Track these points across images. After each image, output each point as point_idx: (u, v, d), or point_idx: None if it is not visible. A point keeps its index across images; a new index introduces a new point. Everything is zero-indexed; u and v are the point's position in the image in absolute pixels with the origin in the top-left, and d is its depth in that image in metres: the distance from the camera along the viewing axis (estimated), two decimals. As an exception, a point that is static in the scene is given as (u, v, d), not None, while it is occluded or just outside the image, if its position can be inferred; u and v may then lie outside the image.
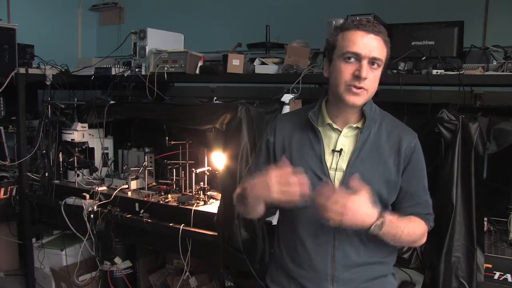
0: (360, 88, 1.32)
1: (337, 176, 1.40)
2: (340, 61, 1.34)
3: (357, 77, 1.31)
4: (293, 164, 1.43)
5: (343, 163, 1.40)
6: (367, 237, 1.38)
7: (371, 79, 1.33)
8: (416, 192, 1.45)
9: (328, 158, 1.41)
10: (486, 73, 2.09)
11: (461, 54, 2.19)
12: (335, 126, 1.43)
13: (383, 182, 1.39)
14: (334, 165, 1.41)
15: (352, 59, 1.32)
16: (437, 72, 2.08)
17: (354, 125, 1.42)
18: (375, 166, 1.39)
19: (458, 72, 2.04)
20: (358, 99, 1.34)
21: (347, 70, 1.32)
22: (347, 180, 1.37)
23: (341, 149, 1.41)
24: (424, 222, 1.44)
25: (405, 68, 2.21)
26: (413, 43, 2.20)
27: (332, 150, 1.42)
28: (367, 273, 1.43)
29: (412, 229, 1.39)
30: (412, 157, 1.42)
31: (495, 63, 2.16)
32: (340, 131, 1.43)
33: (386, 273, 1.50)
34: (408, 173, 1.42)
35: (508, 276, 1.89)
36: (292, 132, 1.48)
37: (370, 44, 1.31)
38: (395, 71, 2.21)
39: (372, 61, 1.32)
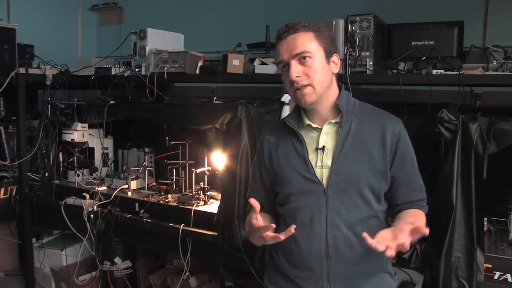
0: (300, 88, 1.38)
1: (324, 174, 1.42)
2: (281, 73, 1.45)
3: (292, 81, 1.38)
4: (280, 169, 1.49)
5: (328, 160, 1.42)
6: (361, 231, 1.39)
7: (308, 72, 1.38)
8: (411, 177, 1.47)
9: (312, 157, 1.44)
10: (486, 73, 2.09)
11: (461, 54, 2.20)
12: (314, 125, 1.47)
13: (370, 173, 1.41)
14: (319, 163, 1.43)
15: (285, 67, 1.41)
16: (437, 72, 2.08)
17: (333, 121, 1.45)
18: (360, 158, 1.41)
19: (458, 72, 2.04)
20: (307, 97, 1.40)
21: (285, 78, 1.42)
22: (333, 176, 1.40)
23: (324, 146, 1.43)
24: (422, 211, 1.47)
25: (405, 68, 2.21)
26: (413, 43, 2.21)
27: (316, 148, 1.44)
28: (363, 270, 1.43)
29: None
30: (399, 143, 1.43)
31: (495, 63, 2.16)
32: (321, 129, 1.46)
33: (382, 270, 1.50)
34: (398, 160, 1.43)
35: (508, 276, 1.89)
36: (277, 139, 1.53)
37: (289, 45, 1.39)
38: (395, 71, 2.21)
39: (299, 57, 1.37)
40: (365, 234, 1.22)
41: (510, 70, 2.06)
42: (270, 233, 1.31)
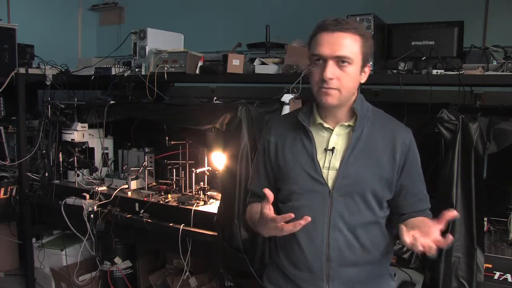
0: (329, 88, 1.33)
1: (330, 175, 1.41)
2: (312, 64, 1.38)
3: (323, 79, 1.33)
4: (287, 165, 1.46)
5: (336, 162, 1.41)
6: (362, 235, 1.39)
7: (342, 77, 1.33)
8: (417, 187, 1.46)
9: (320, 157, 1.43)
10: (486, 73, 2.09)
11: (461, 54, 2.20)
12: (326, 125, 1.45)
13: (377, 179, 1.40)
14: (327, 164, 1.42)
15: (320, 61, 1.34)
16: (437, 72, 2.08)
17: (346, 124, 1.44)
18: (369, 163, 1.40)
19: (458, 72, 2.04)
20: (330, 98, 1.35)
21: (316, 72, 1.36)
22: (340, 179, 1.39)
23: (333, 148, 1.42)
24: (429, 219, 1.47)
25: (405, 68, 2.21)
26: (413, 43, 2.21)
27: (325, 149, 1.43)
28: (363, 272, 1.43)
29: None
30: (409, 154, 1.43)
31: (495, 63, 2.16)
32: (332, 130, 1.44)
33: (382, 273, 1.50)
34: (407, 170, 1.43)
35: (508, 276, 1.89)
36: (285, 134, 1.50)
37: (334, 43, 1.32)
38: (395, 71, 2.21)
39: (339, 59, 1.32)
40: (402, 226, 1.19)
41: (510, 70, 2.06)
42: (284, 224, 1.26)
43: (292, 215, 1.25)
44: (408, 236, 1.17)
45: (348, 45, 1.32)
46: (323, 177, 1.40)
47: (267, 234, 1.39)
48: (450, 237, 1.17)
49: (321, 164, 1.42)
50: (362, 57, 1.36)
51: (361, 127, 1.42)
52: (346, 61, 1.32)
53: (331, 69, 1.32)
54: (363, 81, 1.42)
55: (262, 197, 1.53)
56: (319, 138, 1.45)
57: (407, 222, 1.39)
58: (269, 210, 1.30)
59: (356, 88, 1.41)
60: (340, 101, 1.37)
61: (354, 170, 1.39)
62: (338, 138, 1.43)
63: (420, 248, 1.16)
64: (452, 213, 1.20)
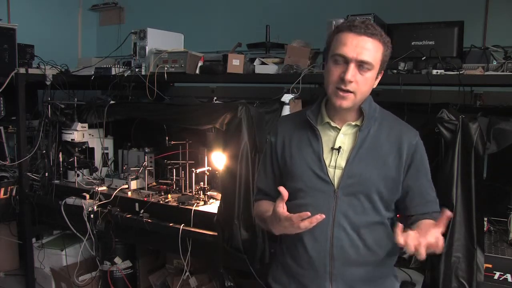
0: (346, 91, 1.33)
1: (336, 174, 1.41)
2: (330, 62, 1.37)
3: (342, 79, 1.32)
4: (293, 163, 1.46)
5: (342, 161, 1.41)
6: (366, 234, 1.39)
7: (360, 82, 1.33)
8: (425, 189, 1.46)
9: (327, 156, 1.43)
10: (486, 73, 2.09)
11: (461, 54, 2.20)
12: (333, 124, 1.45)
13: (382, 180, 1.40)
14: (333, 163, 1.42)
15: (341, 61, 1.33)
16: (437, 72, 2.08)
17: (353, 123, 1.44)
18: (374, 164, 1.40)
19: (458, 72, 2.04)
20: (345, 102, 1.35)
21: (335, 72, 1.34)
22: (345, 178, 1.39)
23: (340, 147, 1.42)
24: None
25: (405, 68, 2.21)
26: (413, 43, 2.21)
27: (331, 148, 1.43)
28: (366, 273, 1.43)
29: None
30: (415, 155, 1.43)
31: (495, 63, 2.16)
32: (339, 129, 1.44)
33: (386, 274, 1.50)
34: (413, 171, 1.43)
35: (508, 276, 1.89)
36: (292, 132, 1.50)
37: (360, 46, 1.31)
38: (395, 71, 2.21)
39: (361, 64, 1.32)
40: (399, 228, 1.18)
41: (510, 70, 2.06)
42: (300, 221, 1.26)
43: (308, 213, 1.24)
44: (401, 237, 1.17)
45: (372, 50, 1.33)
46: (328, 176, 1.40)
47: (278, 232, 1.39)
48: (441, 242, 1.18)
49: (327, 163, 1.42)
50: (381, 64, 1.37)
51: (368, 127, 1.42)
52: (367, 66, 1.33)
53: (352, 72, 1.31)
54: (375, 86, 1.42)
55: (270, 195, 1.54)
56: (326, 137, 1.45)
57: (419, 223, 1.38)
58: (283, 209, 1.30)
59: (369, 92, 1.42)
60: (354, 104, 1.37)
61: (359, 169, 1.39)
62: (344, 138, 1.44)
63: (412, 250, 1.16)
64: (448, 214, 1.20)
